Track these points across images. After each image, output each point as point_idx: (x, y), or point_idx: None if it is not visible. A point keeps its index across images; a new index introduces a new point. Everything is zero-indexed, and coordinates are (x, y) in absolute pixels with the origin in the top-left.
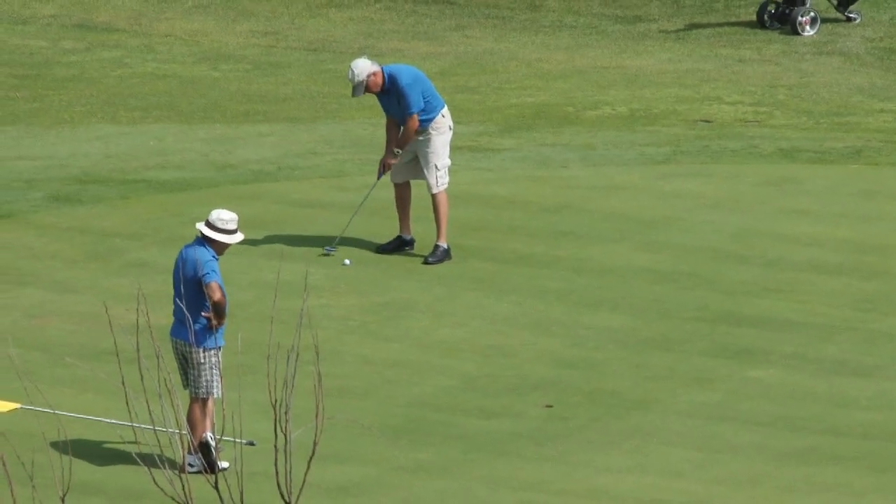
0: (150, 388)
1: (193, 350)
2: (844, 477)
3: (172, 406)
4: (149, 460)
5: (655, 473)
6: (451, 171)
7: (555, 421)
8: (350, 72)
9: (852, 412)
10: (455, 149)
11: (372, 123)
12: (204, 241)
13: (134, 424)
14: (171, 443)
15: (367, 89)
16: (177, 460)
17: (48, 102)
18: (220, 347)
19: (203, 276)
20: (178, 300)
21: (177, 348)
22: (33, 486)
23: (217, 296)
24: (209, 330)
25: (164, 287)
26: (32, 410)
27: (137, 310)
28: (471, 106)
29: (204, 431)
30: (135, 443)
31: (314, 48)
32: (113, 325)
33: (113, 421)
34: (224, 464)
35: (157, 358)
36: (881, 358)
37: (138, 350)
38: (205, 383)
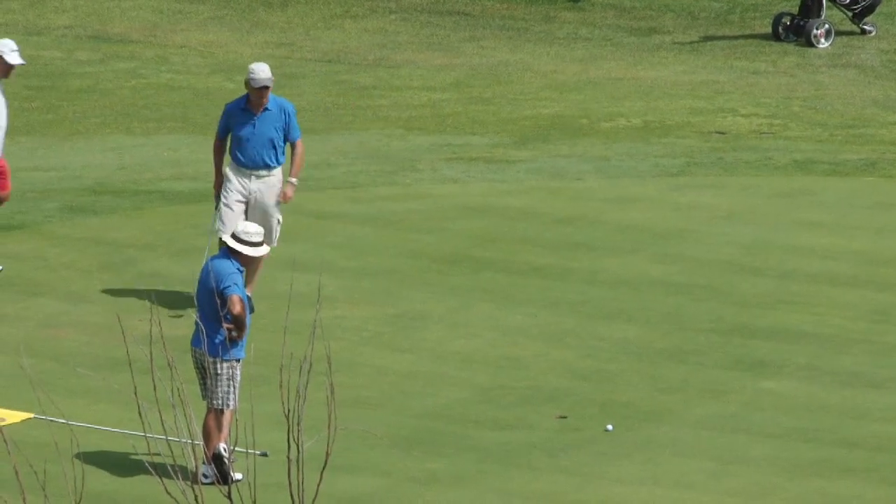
0: (163, 399)
1: (211, 360)
2: (857, 489)
3: (185, 416)
4: (161, 471)
5: (668, 485)
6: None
7: (568, 432)
8: (262, 67)
9: (866, 424)
10: (470, 160)
11: (385, 135)
12: (229, 253)
13: (147, 435)
14: (183, 453)
15: (259, 96)
16: (190, 471)
17: (62, 113)
18: (238, 360)
19: (224, 288)
20: (198, 309)
21: (196, 358)
22: (45, 496)
23: (237, 308)
24: (229, 341)
25: (177, 298)
26: (45, 420)
27: (150, 321)
28: (485, 117)
29: (218, 443)
30: (148, 454)
31: (329, 59)
32: (126, 335)
33: (126, 431)
34: (238, 475)
35: (171, 368)
36: (895, 370)
37: (151, 361)
38: (221, 395)
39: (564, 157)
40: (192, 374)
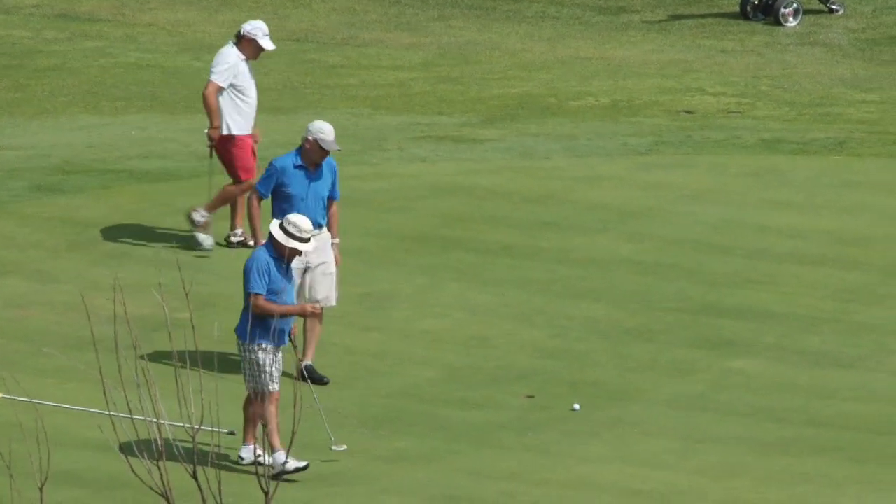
0: (128, 378)
1: (238, 342)
2: (825, 468)
3: (150, 396)
4: (128, 450)
5: (636, 463)
6: None
7: (536, 411)
8: (331, 128)
9: (833, 403)
10: (438, 139)
11: (353, 114)
12: (271, 242)
13: (112, 414)
14: (149, 432)
15: (323, 156)
16: (155, 450)
17: (30, 92)
18: (260, 345)
19: (247, 285)
20: None
21: None
22: (11, 476)
23: (256, 310)
24: (254, 326)
25: (145, 277)
26: (11, 400)
27: (114, 300)
28: (454, 96)
29: (258, 425)
30: (114, 433)
31: (297, 38)
32: (94, 315)
33: (91, 410)
34: (295, 463)
35: (135, 348)
36: (862, 349)
37: (116, 341)
38: (245, 379)
39: (532, 136)
40: (158, 353)
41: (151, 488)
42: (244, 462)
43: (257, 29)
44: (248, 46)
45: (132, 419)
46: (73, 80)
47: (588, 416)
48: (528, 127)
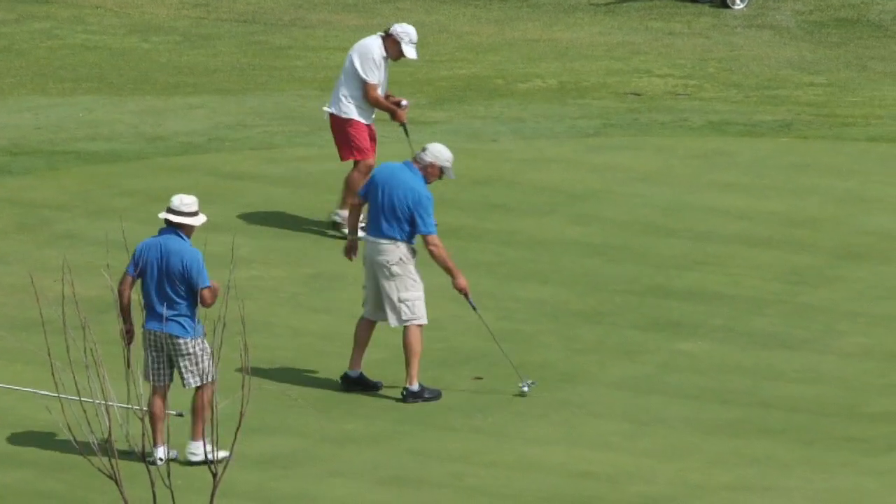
0: (77, 359)
1: (183, 342)
2: (772, 449)
3: (98, 377)
4: (76, 431)
5: (584, 445)
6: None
7: (484, 393)
8: (452, 158)
9: (781, 385)
10: (386, 121)
11: (301, 96)
12: (175, 228)
13: (60, 395)
14: (97, 414)
15: (439, 178)
16: (104, 432)
17: None
18: (204, 334)
19: (199, 279)
20: (153, 291)
21: (154, 339)
22: None
23: (207, 303)
24: (195, 318)
25: (92, 258)
26: None
27: (62, 280)
28: (401, 78)
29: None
30: (62, 415)
31: (244, 20)
32: (42, 296)
33: (39, 391)
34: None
35: (84, 329)
36: (810, 331)
37: (64, 322)
38: (204, 370)
39: (480, 119)
40: (106, 335)
41: (100, 469)
42: (196, 458)
43: (406, 34)
44: (393, 47)
45: (80, 401)
46: (21, 62)
47: (536, 398)
48: (475, 109)
